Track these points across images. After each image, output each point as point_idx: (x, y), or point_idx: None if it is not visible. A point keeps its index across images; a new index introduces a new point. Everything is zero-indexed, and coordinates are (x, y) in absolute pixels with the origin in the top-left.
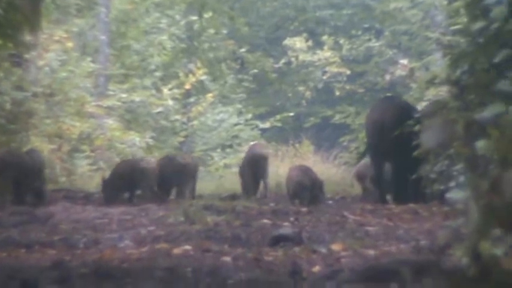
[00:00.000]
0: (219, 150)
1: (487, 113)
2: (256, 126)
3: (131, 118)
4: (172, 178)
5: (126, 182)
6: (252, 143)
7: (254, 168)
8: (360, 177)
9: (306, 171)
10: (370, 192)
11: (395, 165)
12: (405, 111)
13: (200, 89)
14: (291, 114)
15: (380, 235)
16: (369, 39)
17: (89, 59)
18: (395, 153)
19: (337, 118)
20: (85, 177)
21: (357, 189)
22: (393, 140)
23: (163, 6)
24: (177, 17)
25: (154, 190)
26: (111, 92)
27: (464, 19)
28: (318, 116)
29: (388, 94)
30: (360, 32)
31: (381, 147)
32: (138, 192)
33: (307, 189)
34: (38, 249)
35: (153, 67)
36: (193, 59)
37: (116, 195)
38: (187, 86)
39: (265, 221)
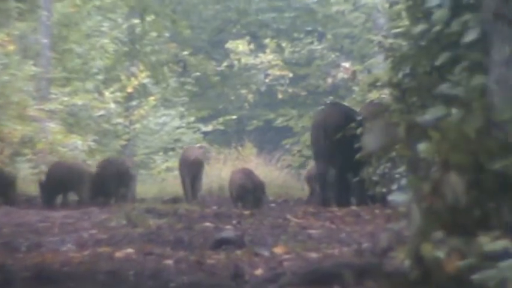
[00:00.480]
0: (161, 153)
1: (429, 115)
2: (199, 130)
3: (73, 121)
4: (112, 181)
5: (60, 184)
6: (185, 147)
7: (188, 172)
8: (309, 179)
9: (248, 174)
10: (316, 194)
11: (337, 168)
12: (347, 116)
13: (142, 92)
14: (234, 117)
15: (322, 238)
16: (311, 42)
17: (31, 62)
18: (337, 157)
19: (280, 121)
20: (27, 181)
21: (300, 192)
22: (335, 143)
23: (105, 10)
24: (119, 20)
25: (88, 193)
26: (53, 96)
27: (406, 22)
28: (260, 119)
29: (332, 99)
30: (302, 35)
31: (323, 151)
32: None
33: (249, 192)
34: None
35: (95, 70)
36: (135, 62)
37: (53, 197)
38: (130, 89)
39: (208, 224)
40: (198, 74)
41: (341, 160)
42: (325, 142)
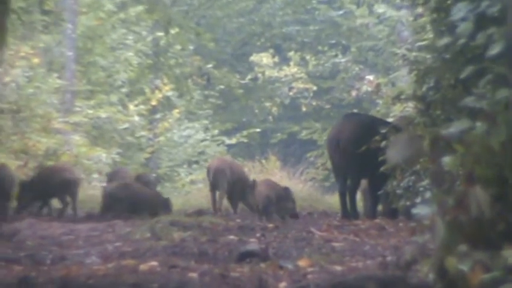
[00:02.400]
0: (185, 166)
1: (453, 128)
2: (223, 142)
3: (97, 134)
4: (53, 189)
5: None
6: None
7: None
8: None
9: (272, 185)
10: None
11: (353, 181)
12: (364, 127)
13: (166, 105)
14: (258, 130)
15: (346, 251)
16: (336, 55)
17: (56, 75)
18: (353, 170)
19: (304, 134)
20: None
21: (323, 205)
22: (350, 156)
23: (129, 23)
24: (144, 33)
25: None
26: (77, 108)
27: (431, 35)
28: (284, 132)
29: (353, 111)
30: (326, 48)
31: (338, 164)
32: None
33: (273, 203)
34: (4, 266)
35: (119, 83)
36: (159, 75)
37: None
38: (154, 102)
39: (232, 237)
40: (222, 87)
41: (358, 173)
42: (339, 155)
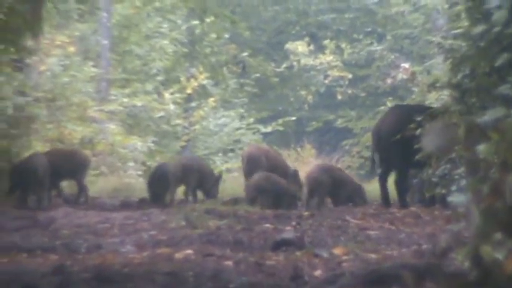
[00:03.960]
0: (220, 154)
1: (488, 116)
2: (258, 131)
3: (133, 123)
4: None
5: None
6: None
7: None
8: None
9: (326, 169)
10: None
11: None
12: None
13: (202, 93)
14: (293, 118)
15: (382, 239)
16: (371, 43)
17: (91, 63)
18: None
19: (339, 122)
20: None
21: None
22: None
23: (164, 11)
24: (179, 21)
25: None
26: (113, 97)
27: (466, 23)
28: (320, 120)
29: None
30: (361, 36)
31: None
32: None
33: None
34: (40, 254)
35: (154, 72)
36: (195, 63)
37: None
38: (189, 91)
39: (267, 225)
40: (257, 75)
41: (397, 163)
42: (379, 145)
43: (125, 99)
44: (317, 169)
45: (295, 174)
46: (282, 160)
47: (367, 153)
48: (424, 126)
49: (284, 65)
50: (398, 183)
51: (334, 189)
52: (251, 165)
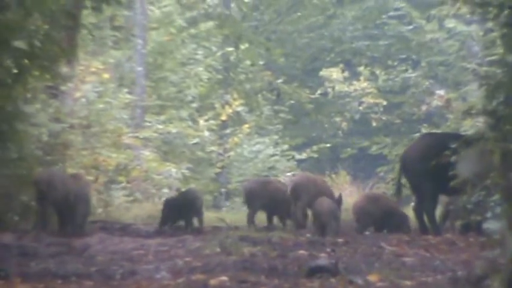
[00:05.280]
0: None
1: None
2: (293, 157)
3: (168, 149)
4: None
5: None
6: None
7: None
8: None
9: (375, 199)
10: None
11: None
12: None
13: (236, 120)
14: (328, 145)
15: (417, 266)
16: (406, 70)
17: (126, 90)
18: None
19: (374, 149)
20: (121, 209)
21: None
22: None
23: (199, 38)
24: (214, 48)
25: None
26: (147, 123)
27: (501, 50)
28: (354, 147)
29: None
30: (396, 63)
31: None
32: None
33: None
34: (75, 281)
35: (189, 98)
36: (229, 90)
37: None
38: (224, 117)
39: (302, 251)
40: (292, 101)
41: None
42: (403, 174)
43: (160, 126)
44: (364, 199)
45: (340, 201)
46: (328, 187)
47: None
48: (459, 153)
49: (318, 92)
50: (428, 210)
51: (382, 219)
52: (296, 191)
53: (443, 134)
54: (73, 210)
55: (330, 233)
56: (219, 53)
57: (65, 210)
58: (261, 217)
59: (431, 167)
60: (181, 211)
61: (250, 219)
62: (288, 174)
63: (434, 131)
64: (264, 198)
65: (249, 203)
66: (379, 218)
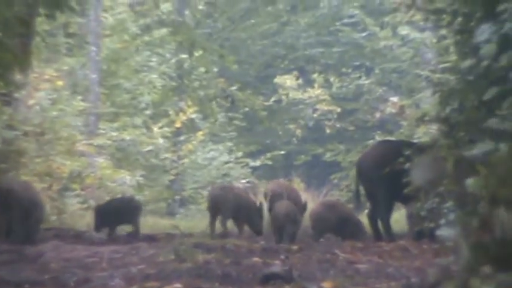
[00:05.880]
0: (209, 188)
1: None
2: (247, 164)
3: (122, 156)
4: None
5: None
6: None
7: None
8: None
9: (331, 206)
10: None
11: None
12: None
13: (190, 127)
14: (282, 152)
15: (370, 273)
16: (359, 77)
17: (80, 97)
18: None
19: (328, 156)
20: (75, 216)
21: None
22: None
23: (153, 45)
24: (168, 55)
25: None
26: (101, 131)
27: (454, 57)
28: (308, 154)
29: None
30: (350, 70)
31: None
32: None
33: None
34: None
35: (143, 105)
36: (183, 97)
37: None
38: (178, 124)
39: (256, 259)
40: (246, 109)
41: (375, 198)
42: (361, 179)
43: (114, 133)
44: (321, 206)
45: (305, 207)
46: (298, 194)
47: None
48: (412, 160)
49: (272, 99)
50: (382, 217)
51: (338, 225)
52: (275, 199)
53: (398, 141)
54: (27, 216)
55: (286, 237)
56: (173, 60)
57: (18, 217)
58: (217, 224)
59: (385, 174)
60: (111, 218)
61: (213, 226)
62: (243, 181)
63: (388, 138)
64: (230, 203)
65: (214, 209)
66: (335, 225)
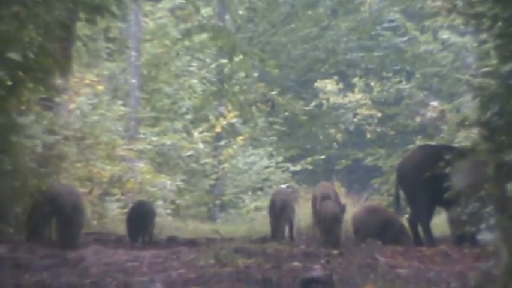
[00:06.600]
0: (249, 193)
1: None
2: (287, 169)
3: (162, 161)
4: None
5: None
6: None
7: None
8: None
9: (373, 211)
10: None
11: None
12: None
13: (231, 131)
14: (322, 156)
15: (411, 277)
16: (400, 81)
17: (120, 102)
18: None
19: (368, 160)
20: (116, 221)
21: None
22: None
23: (194, 50)
24: (208, 60)
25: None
26: (142, 135)
27: (495, 61)
28: (349, 158)
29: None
30: (390, 74)
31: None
32: None
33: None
34: None
35: (184, 110)
36: (223, 101)
37: None
38: (218, 129)
39: (296, 263)
40: (286, 113)
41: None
42: (399, 185)
43: (154, 138)
44: (363, 210)
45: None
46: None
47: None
48: (453, 165)
49: (313, 103)
50: (423, 222)
51: (381, 229)
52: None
53: (438, 146)
54: (71, 221)
55: (333, 238)
56: (213, 65)
57: (63, 221)
58: (258, 229)
59: (426, 178)
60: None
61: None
62: (283, 186)
63: (428, 142)
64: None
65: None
66: (378, 229)
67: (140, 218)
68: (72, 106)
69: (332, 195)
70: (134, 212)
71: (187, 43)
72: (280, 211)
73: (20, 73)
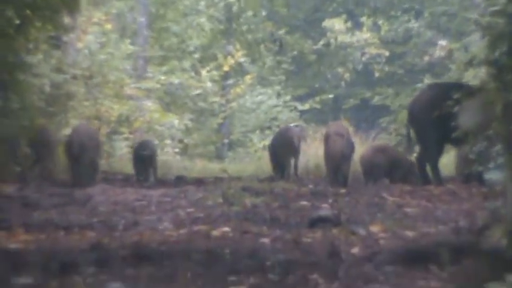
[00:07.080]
0: (257, 132)
1: None
2: (295, 108)
3: (170, 100)
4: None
5: None
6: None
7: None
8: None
9: (382, 150)
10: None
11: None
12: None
13: (239, 71)
14: (330, 95)
15: (419, 216)
16: (408, 20)
17: (128, 41)
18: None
19: (376, 99)
20: (124, 160)
21: None
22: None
23: None
24: None
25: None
26: (149, 74)
27: (503, 0)
28: (357, 98)
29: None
30: (399, 13)
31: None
32: None
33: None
34: (77, 231)
35: (191, 49)
36: (231, 40)
37: None
38: (226, 68)
39: (304, 202)
40: (294, 52)
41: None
42: (413, 123)
43: (162, 77)
44: (371, 150)
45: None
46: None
47: (404, 131)
48: (461, 104)
49: (321, 43)
50: (431, 161)
51: (389, 169)
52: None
53: (449, 84)
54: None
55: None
56: (221, 4)
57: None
58: (265, 168)
59: (436, 117)
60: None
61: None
62: (291, 124)
63: (437, 81)
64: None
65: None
66: (386, 168)
67: (142, 157)
68: (80, 45)
69: (344, 134)
70: (136, 151)
71: None
72: (282, 148)
73: (28, 11)
